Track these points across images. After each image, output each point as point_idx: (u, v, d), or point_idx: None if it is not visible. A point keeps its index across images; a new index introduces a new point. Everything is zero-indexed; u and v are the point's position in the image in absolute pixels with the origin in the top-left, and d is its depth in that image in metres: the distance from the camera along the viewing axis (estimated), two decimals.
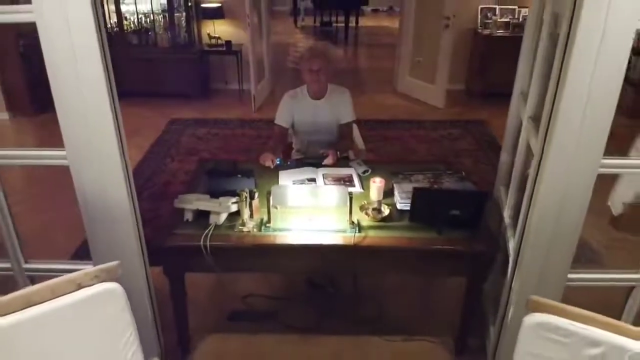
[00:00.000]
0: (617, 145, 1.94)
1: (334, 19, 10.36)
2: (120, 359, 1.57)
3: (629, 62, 3.05)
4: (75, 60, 1.53)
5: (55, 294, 1.46)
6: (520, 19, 5.58)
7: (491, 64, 5.53)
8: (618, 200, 3.23)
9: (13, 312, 1.41)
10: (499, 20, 5.65)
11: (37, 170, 3.78)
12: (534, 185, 1.75)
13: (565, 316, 1.40)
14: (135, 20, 5.67)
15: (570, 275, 1.87)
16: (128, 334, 1.59)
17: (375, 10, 11.96)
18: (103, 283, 1.52)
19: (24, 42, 4.98)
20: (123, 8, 5.57)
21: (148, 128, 4.95)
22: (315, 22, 10.61)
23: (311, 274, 2.78)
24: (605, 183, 2.89)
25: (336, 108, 2.83)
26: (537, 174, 1.73)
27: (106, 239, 1.84)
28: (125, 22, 5.65)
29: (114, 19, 5.58)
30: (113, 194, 1.75)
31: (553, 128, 1.60)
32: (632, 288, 2.00)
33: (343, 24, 9.53)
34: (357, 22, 10.41)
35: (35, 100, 5.11)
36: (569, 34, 1.50)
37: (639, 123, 4.24)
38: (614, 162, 1.69)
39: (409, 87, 6.06)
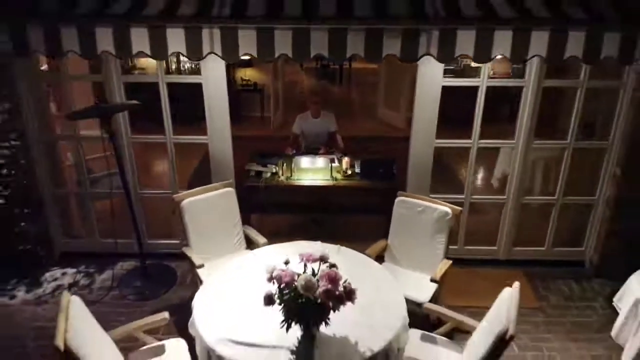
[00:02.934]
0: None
1: (331, 62, 12.75)
2: (233, 234, 3.71)
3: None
4: (218, 98, 3.79)
5: (206, 191, 3.66)
6: None
7: None
8: (495, 176, 5.42)
9: (191, 196, 3.61)
10: None
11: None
12: (410, 152, 3.98)
13: (409, 197, 3.59)
14: None
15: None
16: (236, 220, 3.75)
17: None
18: (226, 188, 3.72)
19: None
20: None
21: None
22: (316, 64, 13.04)
23: (314, 215, 4.92)
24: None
25: (326, 123, 5.08)
26: (410, 148, 3.96)
27: (219, 176, 4.02)
28: None
29: None
30: (224, 156, 3.98)
31: (415, 128, 3.84)
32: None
33: (339, 67, 11.94)
34: (350, 65, 12.82)
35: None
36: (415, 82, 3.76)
37: None
38: (439, 141, 3.91)
39: (383, 115, 8.36)
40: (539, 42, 2.50)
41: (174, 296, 3.97)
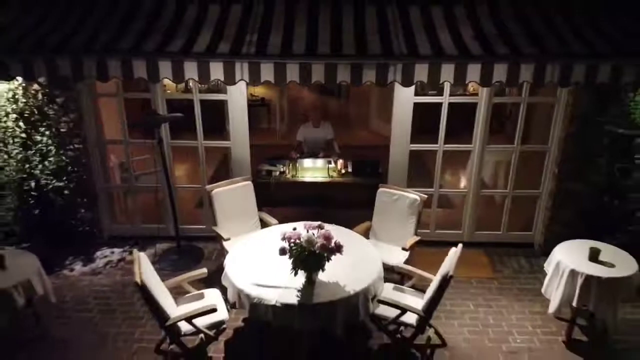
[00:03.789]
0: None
1: None
2: (251, 217, 4.74)
3: None
4: (239, 112, 4.84)
5: (230, 183, 4.69)
6: None
7: None
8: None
9: (219, 188, 4.63)
10: None
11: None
12: (390, 154, 5.00)
13: (388, 188, 4.61)
14: None
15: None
16: (253, 206, 4.77)
17: None
18: (246, 182, 4.74)
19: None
20: None
21: None
22: None
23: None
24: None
25: (324, 132, 6.11)
26: (390, 151, 4.99)
27: (239, 173, 5.04)
28: None
29: None
30: (243, 157, 5.02)
31: (393, 135, 4.87)
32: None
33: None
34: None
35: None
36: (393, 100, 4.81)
37: None
38: (413, 145, 4.94)
39: (376, 125, 9.41)
40: (474, 71, 3.52)
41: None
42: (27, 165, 4.78)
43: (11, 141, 4.77)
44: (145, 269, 3.39)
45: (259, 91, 9.24)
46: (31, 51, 3.69)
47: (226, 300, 3.68)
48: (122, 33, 3.76)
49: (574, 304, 3.82)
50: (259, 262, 3.70)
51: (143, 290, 3.25)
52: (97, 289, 4.68)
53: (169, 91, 7.44)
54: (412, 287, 3.91)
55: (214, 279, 3.93)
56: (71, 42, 3.75)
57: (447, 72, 3.53)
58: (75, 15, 3.99)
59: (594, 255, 3.87)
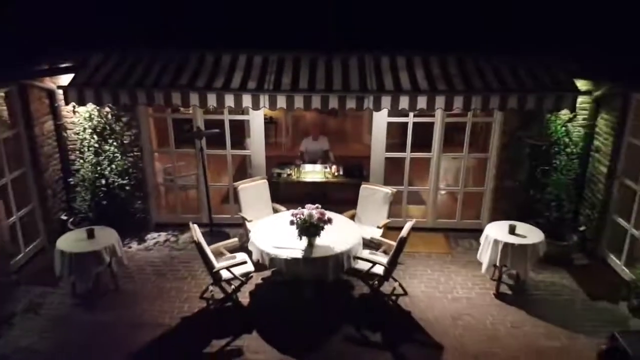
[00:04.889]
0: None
1: None
2: (266, 206, 6.36)
3: None
4: (258, 129, 6.50)
5: (252, 181, 6.32)
6: None
7: None
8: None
9: (243, 184, 6.26)
10: None
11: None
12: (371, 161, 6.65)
13: (368, 185, 6.23)
14: None
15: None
16: (268, 198, 6.39)
17: None
18: (263, 180, 6.37)
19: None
20: None
21: None
22: None
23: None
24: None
25: (321, 144, 7.76)
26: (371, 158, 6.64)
27: (257, 173, 6.67)
28: None
29: None
30: (260, 163, 6.66)
31: (373, 146, 6.51)
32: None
33: None
34: None
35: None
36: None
37: None
38: (387, 154, 6.59)
39: (367, 140, 11.03)
40: (422, 102, 5.16)
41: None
42: (98, 168, 6.41)
43: (86, 150, 6.42)
44: (198, 234, 5.00)
45: (267, 111, 10.92)
46: (101, 84, 5.32)
47: (251, 260, 5.28)
48: (179, 74, 5.42)
49: (497, 264, 5.42)
50: (274, 232, 5.31)
51: (198, 246, 4.86)
52: (151, 260, 6.27)
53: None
54: (384, 252, 5.51)
55: (240, 250, 5.54)
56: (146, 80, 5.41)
57: (405, 102, 5.18)
58: (144, 64, 5.63)
59: (511, 230, 5.47)
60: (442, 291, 5.65)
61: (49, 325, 5.02)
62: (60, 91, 5.64)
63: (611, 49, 5.10)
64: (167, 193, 7.45)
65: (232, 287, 5.16)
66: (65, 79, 5.68)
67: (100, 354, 4.67)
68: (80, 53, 5.68)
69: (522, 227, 5.57)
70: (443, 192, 7.24)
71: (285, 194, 6.97)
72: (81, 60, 5.66)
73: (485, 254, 5.56)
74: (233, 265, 5.01)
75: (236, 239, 5.49)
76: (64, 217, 6.54)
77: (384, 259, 5.24)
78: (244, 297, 5.44)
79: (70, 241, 5.31)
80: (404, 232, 5.01)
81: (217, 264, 5.07)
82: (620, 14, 5.15)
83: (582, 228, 6.22)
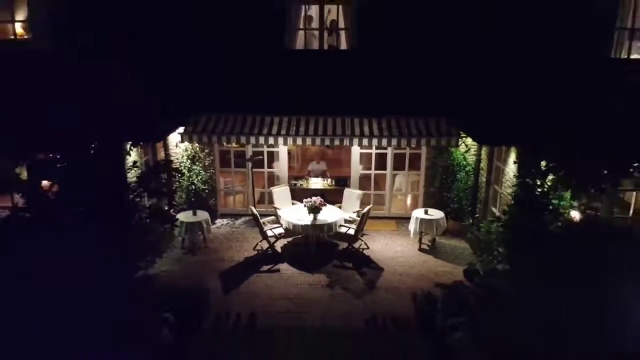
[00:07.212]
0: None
1: None
2: (289, 201, 10.79)
3: None
4: (283, 155, 11.03)
5: (280, 186, 10.80)
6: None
7: None
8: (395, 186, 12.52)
9: (275, 188, 10.73)
10: None
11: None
12: (351, 176, 11.13)
13: (349, 189, 10.69)
14: None
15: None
16: (290, 197, 10.85)
17: None
18: (283, 187, 10.85)
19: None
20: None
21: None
22: None
23: None
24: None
25: (321, 166, 12.29)
26: (351, 174, 11.13)
27: (282, 182, 11.14)
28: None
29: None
30: (284, 176, 11.16)
31: (352, 167, 11.01)
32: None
33: None
34: None
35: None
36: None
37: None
38: (361, 172, 11.08)
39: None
40: (377, 142, 9.60)
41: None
42: (190, 179, 10.91)
43: (183, 168, 10.94)
44: (255, 212, 9.46)
45: (289, 146, 15.52)
46: (201, 131, 9.86)
47: (281, 227, 9.70)
48: (242, 127, 9.96)
49: (418, 230, 9.84)
50: (293, 213, 9.75)
51: (255, 217, 9.31)
52: (220, 234, 10.69)
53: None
54: (355, 225, 9.93)
55: (275, 223, 10.01)
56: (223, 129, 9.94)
57: (366, 141, 9.69)
58: (222, 120, 10.18)
59: (425, 212, 9.91)
60: (388, 247, 10.05)
61: (173, 262, 9.41)
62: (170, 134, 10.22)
63: (473, 119, 9.66)
64: (226, 195, 11.94)
65: (272, 241, 9.57)
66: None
67: (199, 275, 9.01)
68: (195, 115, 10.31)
69: (432, 211, 10.01)
70: (395, 194, 11.66)
71: (299, 196, 11.40)
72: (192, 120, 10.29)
73: (411, 226, 9.99)
74: (273, 228, 9.45)
75: (273, 217, 9.96)
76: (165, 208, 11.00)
77: (354, 227, 9.67)
78: (278, 247, 9.85)
79: (184, 216, 9.77)
80: (364, 210, 9.47)
81: (265, 227, 9.51)
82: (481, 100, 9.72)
83: (477, 215, 10.66)
